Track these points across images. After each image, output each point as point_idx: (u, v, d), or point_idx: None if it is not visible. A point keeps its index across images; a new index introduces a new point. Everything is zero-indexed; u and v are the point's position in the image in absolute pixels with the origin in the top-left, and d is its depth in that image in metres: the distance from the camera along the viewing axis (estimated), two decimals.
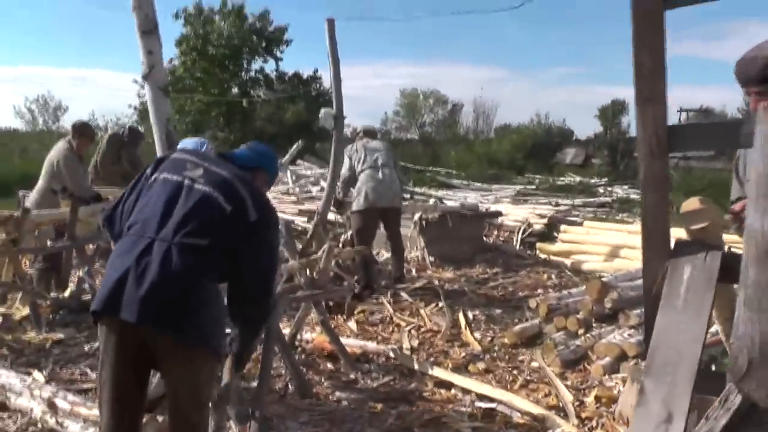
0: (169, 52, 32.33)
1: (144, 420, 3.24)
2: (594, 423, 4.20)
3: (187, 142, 4.49)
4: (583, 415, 4.32)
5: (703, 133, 2.42)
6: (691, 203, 2.41)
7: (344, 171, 7.74)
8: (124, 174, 8.47)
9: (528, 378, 5.06)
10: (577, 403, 4.50)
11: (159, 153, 3.21)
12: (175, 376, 2.63)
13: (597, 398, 4.54)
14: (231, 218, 2.69)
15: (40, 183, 7.35)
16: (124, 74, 75.27)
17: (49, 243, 6.77)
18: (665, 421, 2.11)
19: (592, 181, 23.14)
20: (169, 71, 29.31)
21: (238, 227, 2.71)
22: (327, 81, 30.21)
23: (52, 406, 4.10)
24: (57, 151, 7.31)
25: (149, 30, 3.00)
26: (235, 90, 30.43)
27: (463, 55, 74.80)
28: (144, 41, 3.12)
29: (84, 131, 7.61)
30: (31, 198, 7.48)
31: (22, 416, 4.18)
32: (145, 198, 2.78)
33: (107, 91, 72.25)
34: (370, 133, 8.21)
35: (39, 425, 4.06)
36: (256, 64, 31.11)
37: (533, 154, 31.05)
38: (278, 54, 30.88)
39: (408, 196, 11.41)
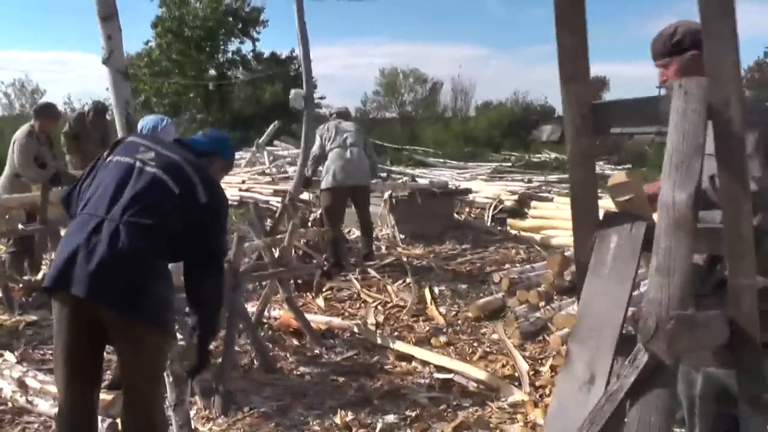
0: (145, 34, 32.14)
1: (112, 397, 3.36)
2: (547, 390, 4.35)
3: (147, 119, 4.56)
4: (537, 383, 4.48)
5: (625, 110, 2.52)
6: (618, 176, 2.51)
7: (314, 149, 7.88)
8: (95, 151, 8.49)
9: (487, 350, 5.21)
10: (532, 373, 4.65)
11: (120, 136, 3.27)
12: (125, 350, 2.73)
13: (552, 368, 4.69)
14: (179, 201, 2.77)
15: (7, 167, 7.38)
16: (98, 57, 74.18)
17: (20, 227, 6.82)
18: (588, 382, 2.23)
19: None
20: (145, 53, 29.16)
21: (187, 210, 2.79)
22: None
23: (22, 385, 4.20)
24: (17, 135, 7.36)
25: (109, 15, 3.05)
26: (212, 71, 30.28)
27: (445, 33, 74.33)
28: (104, 26, 3.16)
29: (44, 111, 7.59)
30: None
31: None
32: (98, 179, 2.86)
33: (86, 74, 71.38)
34: (343, 115, 8.38)
35: (9, 404, 4.16)
36: (233, 46, 30.98)
37: (510, 131, 31.14)
38: (255, 35, 30.75)
39: (384, 175, 11.49)
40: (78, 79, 69.45)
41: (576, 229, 2.59)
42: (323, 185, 7.73)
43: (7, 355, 4.89)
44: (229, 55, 31.10)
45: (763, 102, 3.09)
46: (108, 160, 2.91)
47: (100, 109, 9.74)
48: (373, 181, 8.40)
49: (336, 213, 7.71)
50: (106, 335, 2.72)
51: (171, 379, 3.19)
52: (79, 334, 2.71)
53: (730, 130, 2.08)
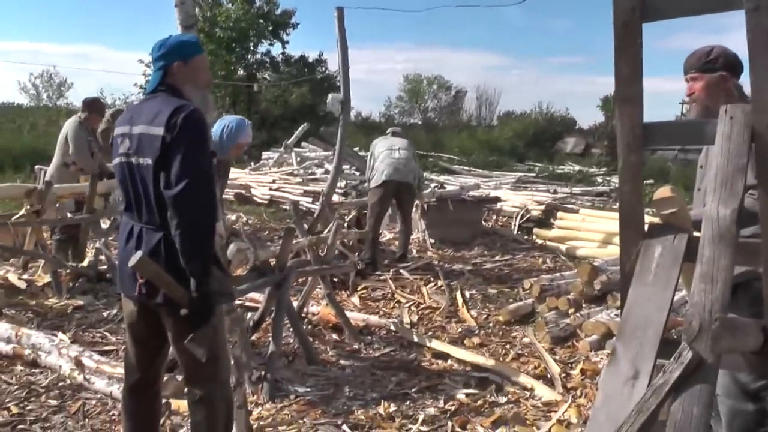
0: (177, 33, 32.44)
1: (164, 379, 3.58)
2: (578, 392, 4.55)
3: (230, 119, 4.92)
4: (569, 385, 4.67)
5: (673, 130, 2.74)
6: (663, 191, 2.71)
7: (368, 161, 8.52)
8: None
9: (519, 352, 5.41)
10: (563, 375, 4.85)
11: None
12: (174, 335, 2.95)
13: (582, 371, 4.90)
14: (158, 164, 2.78)
15: (55, 158, 7.69)
16: (124, 53, 75.06)
17: (68, 215, 7.11)
18: (632, 378, 2.43)
19: (591, 170, 23.40)
20: None
21: (164, 157, 2.77)
22: (332, 64, 30.43)
23: (79, 364, 4.47)
24: (67, 125, 7.69)
25: (190, 25, 3.29)
26: (241, 72, 30.59)
27: (467, 41, 74.64)
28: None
29: (94, 106, 7.92)
30: (48, 172, 7.82)
31: (51, 372, 4.55)
32: (116, 179, 3.10)
33: (109, 68, 72.20)
34: (396, 133, 8.82)
35: (68, 381, 4.43)
36: (263, 47, 31.31)
37: (534, 142, 31.34)
38: (285, 37, 31.06)
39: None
40: (100, 73, 70.22)
41: (623, 238, 2.78)
42: (372, 184, 8.17)
43: (61, 335, 5.15)
44: (258, 56, 31.45)
45: None
46: (111, 166, 3.14)
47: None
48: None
49: (379, 209, 8.10)
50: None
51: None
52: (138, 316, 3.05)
53: None
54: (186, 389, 3.08)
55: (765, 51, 2.26)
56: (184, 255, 2.74)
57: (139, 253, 2.74)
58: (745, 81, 3.17)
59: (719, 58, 3.07)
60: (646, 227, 2.73)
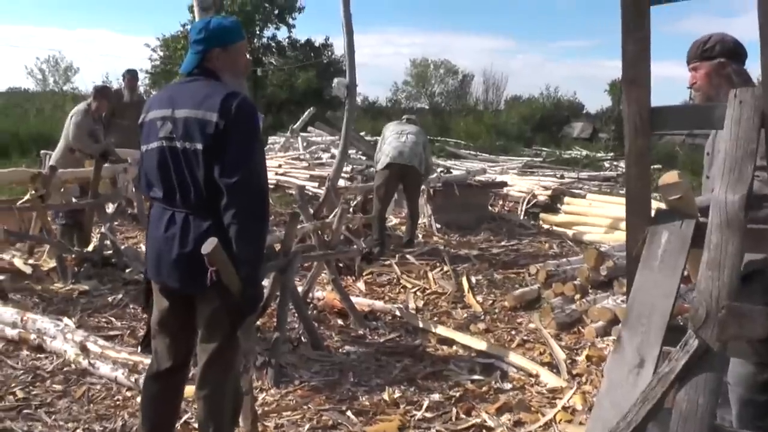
0: (183, 17, 32.39)
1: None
2: (584, 379, 4.53)
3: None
4: (574, 372, 4.66)
5: (681, 114, 2.71)
6: (670, 176, 2.68)
7: (378, 144, 8.49)
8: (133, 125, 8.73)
9: (525, 338, 5.40)
10: (569, 361, 4.83)
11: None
12: (208, 324, 2.93)
13: (588, 357, 4.88)
14: (209, 150, 2.75)
15: (61, 141, 7.72)
16: (128, 37, 75.07)
17: (73, 200, 7.11)
18: (638, 365, 2.41)
19: (599, 155, 23.29)
20: (182, 36, 29.50)
21: (216, 145, 2.75)
22: (338, 49, 30.32)
23: (84, 349, 4.47)
24: (73, 111, 7.75)
25: (207, 6, 3.27)
26: (247, 56, 30.52)
27: (472, 24, 74.51)
28: (201, 17, 3.40)
29: (104, 93, 7.98)
30: (53, 157, 7.84)
31: (57, 357, 4.55)
32: (146, 168, 2.98)
33: (112, 53, 72.13)
34: (411, 120, 8.78)
35: (72, 366, 4.44)
36: (269, 32, 31.22)
37: (541, 126, 31.18)
38: (290, 21, 30.96)
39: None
40: (106, 57, 70.24)
41: (629, 222, 2.76)
42: (378, 167, 8.16)
43: (66, 320, 5.15)
44: (264, 40, 31.38)
45: None
46: (144, 149, 2.98)
47: (133, 72, 10.35)
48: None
49: (384, 192, 8.07)
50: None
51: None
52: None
53: None
54: (198, 380, 3.01)
55: None
56: (240, 242, 2.72)
57: (214, 240, 2.68)
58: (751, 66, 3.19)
59: (716, 45, 3.13)
60: (653, 212, 2.70)
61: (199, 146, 2.75)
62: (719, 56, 3.11)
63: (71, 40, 68.51)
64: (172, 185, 2.85)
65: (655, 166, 16.89)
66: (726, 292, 2.15)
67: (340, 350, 5.01)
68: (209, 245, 2.66)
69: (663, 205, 2.66)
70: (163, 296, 3.03)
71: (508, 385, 4.42)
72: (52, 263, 6.46)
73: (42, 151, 10.45)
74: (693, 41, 3.22)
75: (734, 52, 3.12)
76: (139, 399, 3.55)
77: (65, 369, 4.42)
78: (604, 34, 70.10)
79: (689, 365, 2.13)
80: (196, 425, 3.52)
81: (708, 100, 3.09)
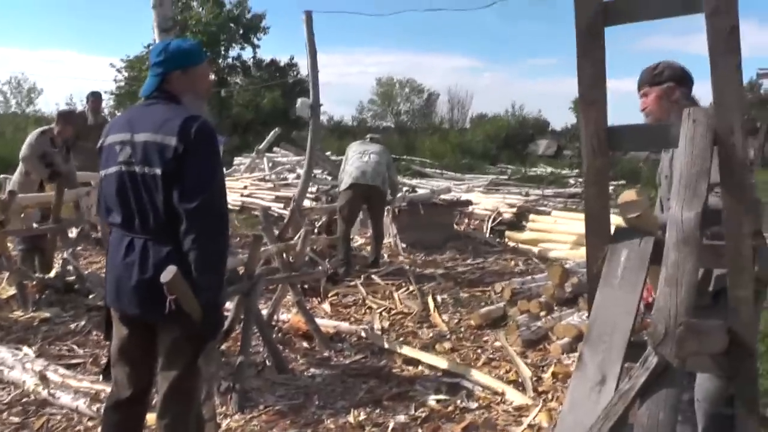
0: (147, 38, 32.19)
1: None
2: (549, 396, 4.54)
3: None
4: (540, 389, 4.66)
5: (638, 133, 2.75)
6: (629, 194, 2.70)
7: (342, 165, 8.46)
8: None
9: (491, 356, 5.40)
10: (535, 379, 4.84)
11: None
12: (169, 351, 2.89)
13: (554, 374, 4.89)
14: (168, 175, 2.71)
15: (19, 167, 7.60)
16: (93, 57, 74.42)
17: (34, 225, 7.00)
18: (599, 383, 2.42)
19: (564, 172, 23.50)
20: (146, 56, 29.30)
21: (175, 170, 2.71)
22: (304, 69, 30.32)
23: (43, 378, 4.38)
24: (29, 135, 7.65)
25: (168, 28, 3.25)
26: (212, 76, 30.41)
27: (439, 44, 75.26)
28: (162, 38, 3.37)
29: (68, 118, 7.86)
30: (12, 181, 7.71)
31: (15, 388, 4.45)
32: (105, 192, 2.94)
33: (80, 75, 71.48)
34: (374, 139, 8.79)
35: (32, 396, 4.34)
36: (234, 51, 31.15)
37: (507, 144, 31.46)
38: (255, 41, 30.93)
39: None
40: (71, 79, 69.57)
41: (589, 241, 2.77)
42: (341, 187, 8.15)
43: (26, 349, 5.05)
44: (230, 60, 31.29)
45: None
46: (103, 174, 2.95)
47: (97, 94, 10.34)
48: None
49: (348, 212, 8.05)
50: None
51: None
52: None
53: (733, 154, 2.29)
54: (159, 409, 2.95)
55: (724, 54, 2.26)
56: (200, 268, 2.70)
57: (174, 268, 2.64)
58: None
59: (665, 71, 3.31)
60: (612, 230, 2.72)
61: (158, 171, 2.72)
62: (668, 81, 3.27)
63: (34, 61, 67.69)
64: (131, 211, 2.81)
65: (619, 183, 17.12)
66: (684, 308, 2.16)
67: (306, 373, 4.96)
68: (168, 274, 2.63)
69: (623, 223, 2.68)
70: (122, 324, 2.98)
71: (473, 404, 4.41)
72: (12, 291, 6.34)
73: (1, 176, 10.29)
74: (643, 69, 3.39)
75: (682, 77, 3.30)
76: (100, 430, 3.48)
77: (24, 400, 4.31)
78: (567, 51, 71.06)
79: (649, 382, 2.14)
80: None
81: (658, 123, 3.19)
